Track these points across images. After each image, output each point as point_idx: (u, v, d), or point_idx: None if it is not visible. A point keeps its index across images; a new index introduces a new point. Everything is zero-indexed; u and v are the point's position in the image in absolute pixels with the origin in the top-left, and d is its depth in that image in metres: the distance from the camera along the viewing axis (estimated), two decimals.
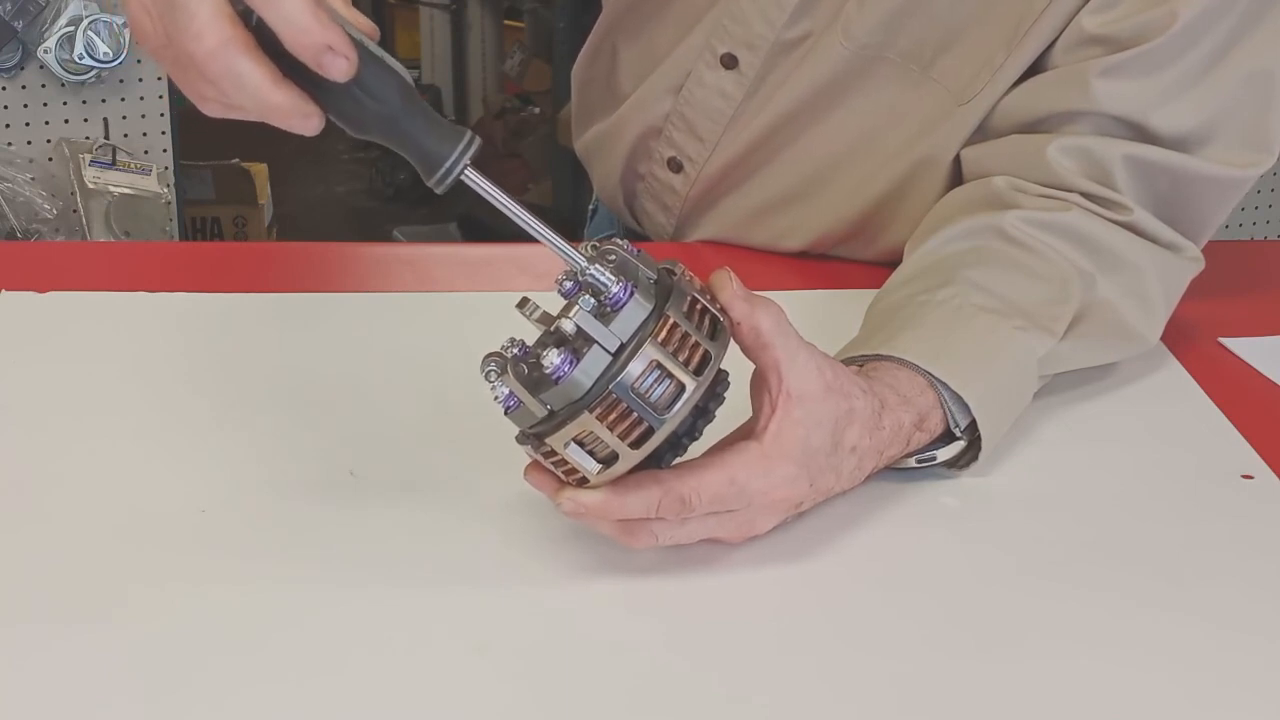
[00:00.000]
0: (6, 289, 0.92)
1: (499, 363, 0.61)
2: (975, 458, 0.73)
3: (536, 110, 3.72)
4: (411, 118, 0.59)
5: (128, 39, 1.93)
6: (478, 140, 0.59)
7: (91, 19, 1.90)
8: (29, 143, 2.00)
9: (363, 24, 0.60)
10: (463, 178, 0.59)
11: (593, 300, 0.58)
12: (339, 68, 0.56)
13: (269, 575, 0.64)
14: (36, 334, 0.87)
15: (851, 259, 1.02)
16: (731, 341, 0.62)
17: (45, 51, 1.90)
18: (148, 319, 0.89)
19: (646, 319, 0.59)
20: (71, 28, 1.90)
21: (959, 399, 0.71)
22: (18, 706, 0.55)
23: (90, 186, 2.01)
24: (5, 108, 1.96)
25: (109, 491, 0.70)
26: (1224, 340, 0.93)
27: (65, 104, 2.02)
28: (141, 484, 0.71)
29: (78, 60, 1.91)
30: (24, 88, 1.95)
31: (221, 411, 0.78)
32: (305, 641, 0.60)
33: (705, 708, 0.57)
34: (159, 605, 0.62)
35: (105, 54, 1.91)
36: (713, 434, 0.64)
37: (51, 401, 0.79)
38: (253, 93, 0.57)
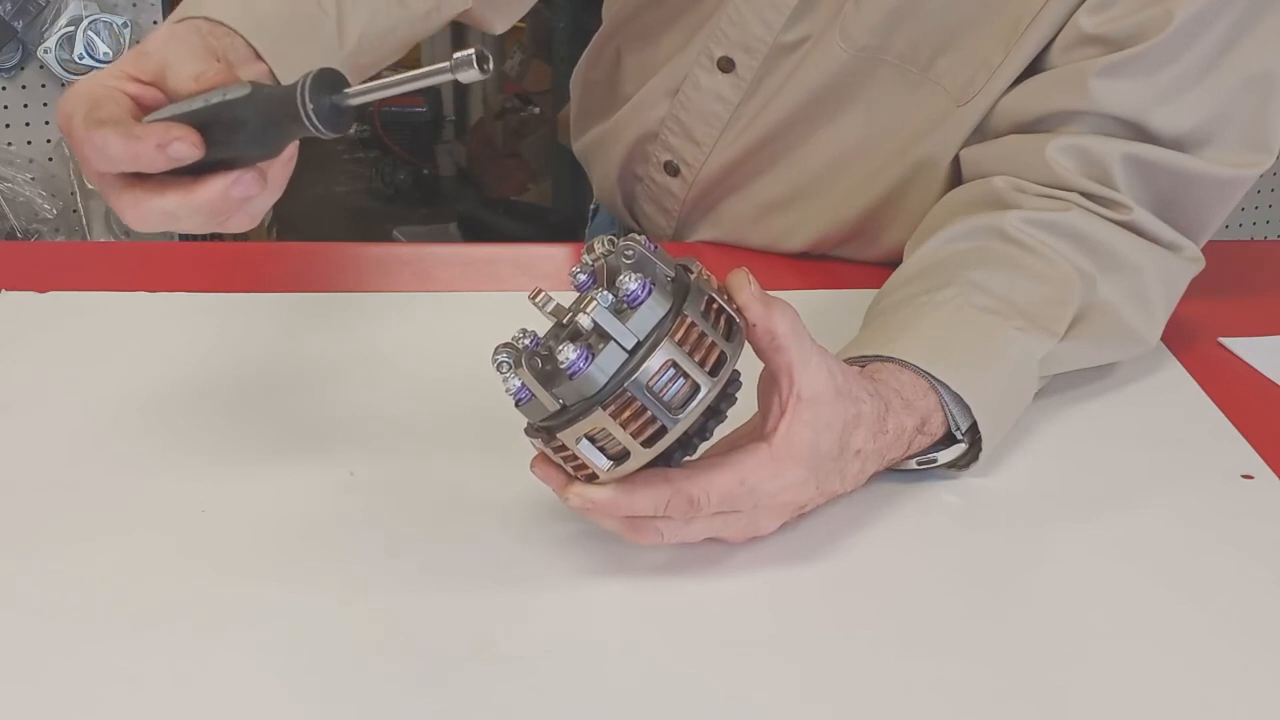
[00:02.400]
0: (6, 289, 0.92)
1: (511, 354, 0.61)
2: (975, 458, 0.73)
3: (536, 110, 3.72)
4: (269, 115, 0.61)
5: (128, 39, 1.93)
6: (312, 73, 0.60)
7: (91, 19, 1.90)
8: (29, 143, 1.99)
9: (207, 81, 0.64)
10: (339, 104, 0.60)
11: (610, 296, 0.58)
12: (182, 151, 0.61)
13: (269, 575, 0.64)
14: (36, 334, 0.87)
15: (852, 260, 1.02)
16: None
17: (45, 51, 1.90)
18: (148, 319, 0.90)
19: (664, 317, 0.58)
20: (71, 28, 1.90)
21: (960, 400, 0.71)
22: (13, 706, 0.55)
23: (90, 186, 2.00)
24: (5, 108, 1.95)
25: (109, 491, 0.70)
26: (1224, 340, 0.93)
27: None
28: (142, 484, 0.71)
29: (78, 60, 1.91)
30: (24, 88, 1.95)
31: (221, 411, 0.78)
32: (305, 641, 0.60)
33: (705, 708, 0.57)
34: (158, 605, 0.62)
35: (105, 54, 1.91)
36: (718, 432, 0.64)
37: (51, 401, 0.79)
38: (118, 149, 0.62)
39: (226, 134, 0.61)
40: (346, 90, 0.60)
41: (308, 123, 0.59)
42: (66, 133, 0.64)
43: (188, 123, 0.62)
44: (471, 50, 0.55)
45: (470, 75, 0.56)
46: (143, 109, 0.65)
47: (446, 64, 0.56)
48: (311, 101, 0.59)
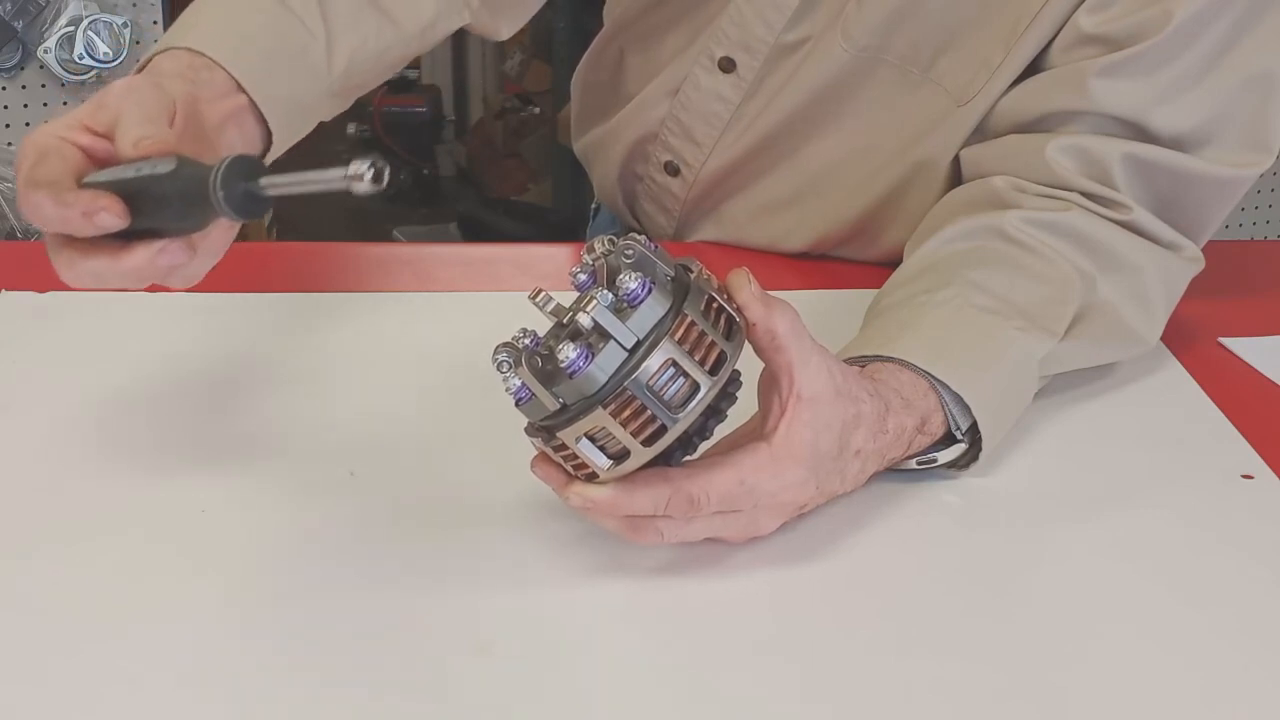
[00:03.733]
0: (6, 289, 0.92)
1: (511, 354, 0.61)
2: (975, 458, 0.73)
3: (536, 110, 3.72)
4: (187, 193, 0.60)
5: (128, 39, 1.93)
6: (227, 159, 0.59)
7: (91, 19, 1.90)
8: None
9: (144, 149, 0.63)
10: (254, 192, 0.59)
11: (610, 295, 0.58)
12: (106, 221, 0.61)
13: (269, 575, 0.64)
14: (36, 334, 0.87)
15: (852, 260, 1.02)
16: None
17: (45, 51, 1.90)
18: (148, 319, 0.90)
19: (664, 316, 0.59)
20: (71, 28, 1.90)
21: (960, 400, 0.71)
22: (13, 706, 0.55)
23: None
24: (5, 108, 1.95)
25: (109, 491, 0.70)
26: (1224, 340, 0.93)
27: (65, 104, 2.02)
28: (142, 484, 0.71)
29: (78, 60, 1.91)
30: (24, 88, 1.95)
31: (221, 411, 0.78)
32: (305, 641, 0.60)
33: (705, 708, 0.57)
34: (158, 605, 0.62)
35: (105, 54, 1.91)
36: (719, 432, 0.64)
37: (51, 401, 0.79)
38: (50, 212, 0.62)
39: (153, 206, 0.62)
40: (262, 180, 0.59)
41: (218, 208, 0.59)
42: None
43: (117, 191, 0.62)
44: (368, 161, 0.55)
45: (362, 188, 0.55)
46: (94, 160, 0.65)
47: (341, 173, 0.55)
48: (223, 189, 0.59)
